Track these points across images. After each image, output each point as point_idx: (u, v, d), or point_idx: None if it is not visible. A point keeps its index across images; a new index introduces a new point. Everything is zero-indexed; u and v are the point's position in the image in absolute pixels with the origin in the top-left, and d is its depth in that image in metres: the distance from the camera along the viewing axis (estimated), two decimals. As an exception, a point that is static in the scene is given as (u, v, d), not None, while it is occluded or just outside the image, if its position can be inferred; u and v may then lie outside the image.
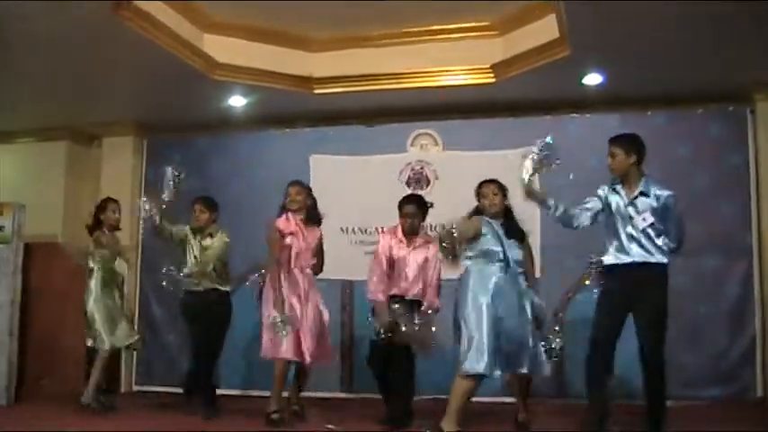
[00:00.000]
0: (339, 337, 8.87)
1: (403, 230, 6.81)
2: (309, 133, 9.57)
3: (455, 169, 8.85)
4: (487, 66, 8.30)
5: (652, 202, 5.64)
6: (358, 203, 8.98)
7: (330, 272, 7.60)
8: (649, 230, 5.62)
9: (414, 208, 6.80)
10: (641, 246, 5.63)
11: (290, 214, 6.96)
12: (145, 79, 8.41)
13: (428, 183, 9.07)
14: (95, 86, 8.55)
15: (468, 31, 8.35)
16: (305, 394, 7.45)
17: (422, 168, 9.03)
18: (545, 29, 7.62)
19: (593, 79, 8.19)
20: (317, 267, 7.15)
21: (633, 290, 5.62)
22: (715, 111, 8.63)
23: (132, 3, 6.85)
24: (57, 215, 9.83)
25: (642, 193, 5.68)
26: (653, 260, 5.62)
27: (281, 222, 6.92)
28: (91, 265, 7.63)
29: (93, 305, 7.51)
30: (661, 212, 5.62)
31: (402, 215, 6.82)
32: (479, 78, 8.40)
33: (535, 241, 8.44)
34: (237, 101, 9.01)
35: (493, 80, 8.33)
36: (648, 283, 5.63)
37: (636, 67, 7.81)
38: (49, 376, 8.96)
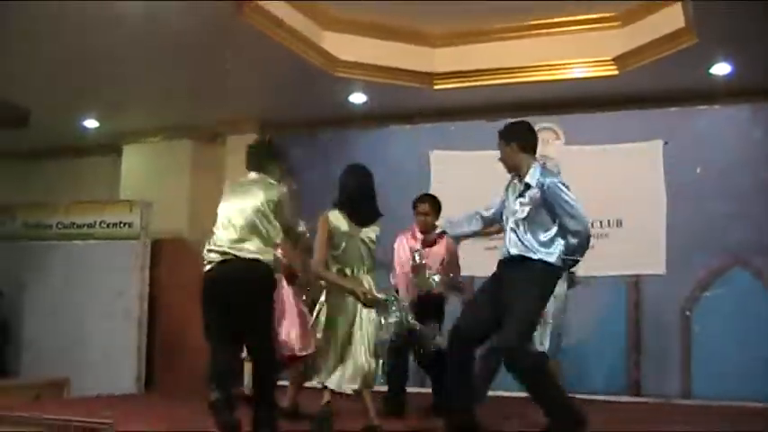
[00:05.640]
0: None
1: (421, 229, 6.75)
2: (430, 129, 9.57)
3: (577, 163, 8.71)
4: (609, 58, 8.16)
5: (536, 191, 5.14)
6: (478, 199, 8.82)
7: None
8: (527, 222, 5.13)
9: (428, 207, 6.80)
10: (519, 239, 5.13)
11: None
12: (267, 76, 8.55)
13: (550, 177, 8.93)
14: (219, 84, 8.73)
15: (590, 23, 8.23)
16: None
17: (543, 163, 8.80)
18: (668, 19, 7.45)
19: (721, 69, 7.92)
20: None
21: (504, 284, 5.15)
22: None
23: (255, 2, 6.98)
24: (182, 212, 10.04)
25: (528, 184, 5.20)
26: (528, 255, 5.08)
27: None
28: None
29: None
30: (545, 202, 5.11)
31: (417, 213, 6.81)
32: (602, 71, 8.27)
33: (660, 238, 8.31)
34: (358, 97, 9.06)
35: (616, 72, 8.17)
36: (519, 279, 5.08)
37: (767, 56, 7.51)
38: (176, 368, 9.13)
